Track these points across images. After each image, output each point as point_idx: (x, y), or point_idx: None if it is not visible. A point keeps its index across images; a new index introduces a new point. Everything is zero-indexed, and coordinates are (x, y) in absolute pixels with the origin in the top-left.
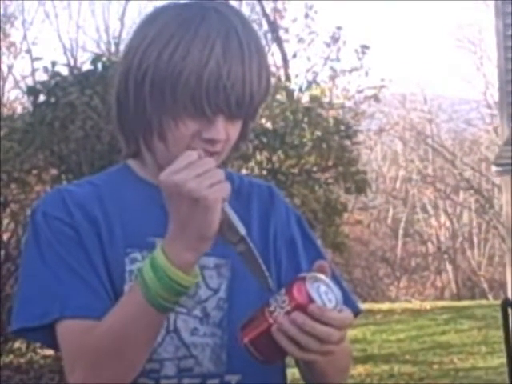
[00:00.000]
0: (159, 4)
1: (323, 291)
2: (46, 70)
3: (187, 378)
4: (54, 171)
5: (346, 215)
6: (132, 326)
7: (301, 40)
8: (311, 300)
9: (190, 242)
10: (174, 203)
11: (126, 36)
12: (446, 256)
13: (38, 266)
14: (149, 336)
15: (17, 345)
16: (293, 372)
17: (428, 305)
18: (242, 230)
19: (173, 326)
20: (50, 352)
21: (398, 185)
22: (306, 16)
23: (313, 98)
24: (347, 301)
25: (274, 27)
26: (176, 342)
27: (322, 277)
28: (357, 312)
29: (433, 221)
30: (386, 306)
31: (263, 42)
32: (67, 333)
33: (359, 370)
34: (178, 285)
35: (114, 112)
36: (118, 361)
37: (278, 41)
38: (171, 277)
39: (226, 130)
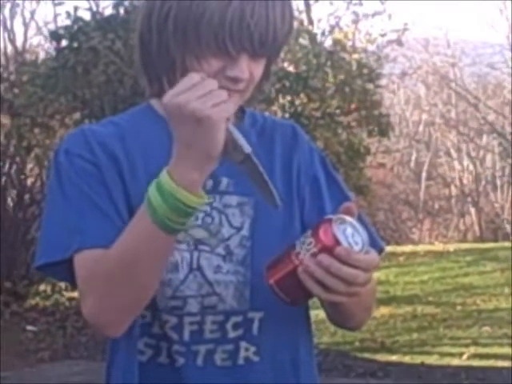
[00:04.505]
0: None
1: (350, 233)
2: (68, 15)
3: (210, 315)
4: (76, 116)
5: (368, 158)
6: (141, 250)
7: None
8: (337, 242)
9: (194, 161)
10: (177, 125)
11: None
12: (469, 199)
13: (59, 203)
14: (158, 260)
15: (42, 287)
16: (316, 313)
17: (451, 247)
18: (247, 149)
19: (196, 264)
20: (75, 294)
21: (421, 128)
22: None
23: (336, 42)
24: (370, 239)
25: None
26: (199, 279)
27: (349, 219)
28: (380, 250)
29: (456, 164)
30: (409, 248)
31: None
32: (82, 262)
33: (382, 311)
34: (184, 205)
35: (137, 53)
36: (128, 286)
37: None
38: (177, 197)
39: (249, 69)
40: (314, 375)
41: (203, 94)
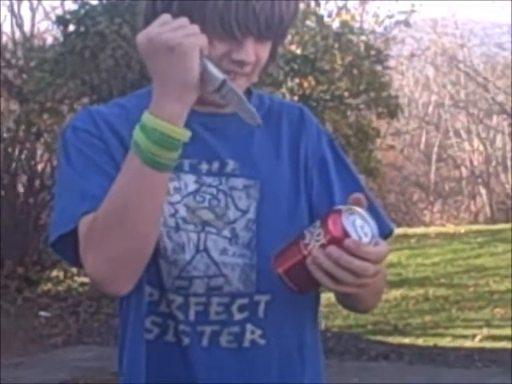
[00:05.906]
0: None
1: (359, 225)
2: None
3: (216, 297)
4: (85, 100)
5: (378, 141)
6: (132, 193)
7: None
8: (346, 234)
9: (173, 93)
10: (151, 59)
11: None
12: (479, 180)
13: (67, 175)
14: (151, 202)
15: (54, 273)
16: (328, 297)
17: (462, 228)
18: (222, 75)
19: (203, 246)
20: (87, 279)
21: (430, 110)
22: None
23: (343, 24)
24: (380, 221)
25: None
26: (206, 260)
27: (358, 210)
28: (390, 232)
29: (466, 145)
30: (420, 230)
31: None
32: (84, 222)
33: (394, 294)
34: (168, 137)
35: None
36: (124, 234)
37: None
38: (160, 130)
39: (255, 52)
40: (319, 359)
41: (175, 27)
